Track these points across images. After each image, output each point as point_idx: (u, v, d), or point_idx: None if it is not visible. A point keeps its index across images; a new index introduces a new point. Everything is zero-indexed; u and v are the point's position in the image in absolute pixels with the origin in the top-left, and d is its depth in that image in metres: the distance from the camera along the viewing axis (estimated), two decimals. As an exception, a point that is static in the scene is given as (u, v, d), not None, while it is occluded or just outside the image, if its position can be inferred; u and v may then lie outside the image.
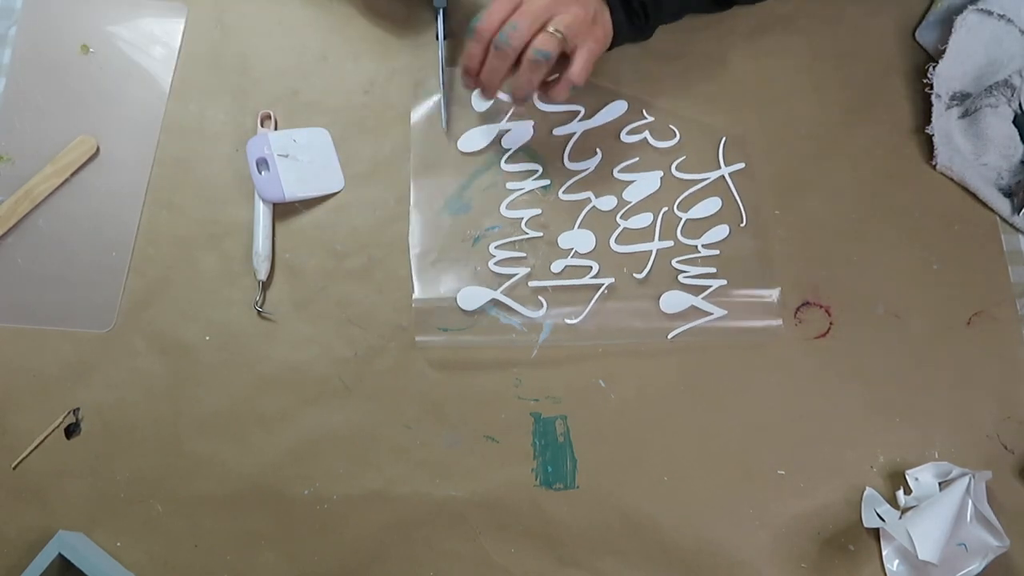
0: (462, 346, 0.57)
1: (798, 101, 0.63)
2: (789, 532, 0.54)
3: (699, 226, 0.60)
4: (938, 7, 0.64)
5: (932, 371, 0.57)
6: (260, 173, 0.60)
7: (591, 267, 0.59)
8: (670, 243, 0.59)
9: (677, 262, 0.59)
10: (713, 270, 0.58)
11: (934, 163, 0.61)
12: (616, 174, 0.61)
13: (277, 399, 0.57)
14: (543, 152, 0.62)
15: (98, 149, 0.63)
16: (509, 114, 0.63)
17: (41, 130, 0.63)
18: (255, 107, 0.63)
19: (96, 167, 0.62)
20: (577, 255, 0.59)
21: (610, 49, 0.59)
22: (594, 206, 0.61)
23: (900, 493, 0.53)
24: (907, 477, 0.54)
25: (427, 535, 0.54)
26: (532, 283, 0.59)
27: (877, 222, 0.60)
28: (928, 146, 0.62)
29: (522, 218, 0.60)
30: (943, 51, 0.62)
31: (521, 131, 0.62)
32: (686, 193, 0.61)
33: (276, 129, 0.63)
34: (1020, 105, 0.61)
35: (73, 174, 0.62)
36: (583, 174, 0.61)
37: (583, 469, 0.55)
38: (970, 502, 0.51)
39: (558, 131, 0.62)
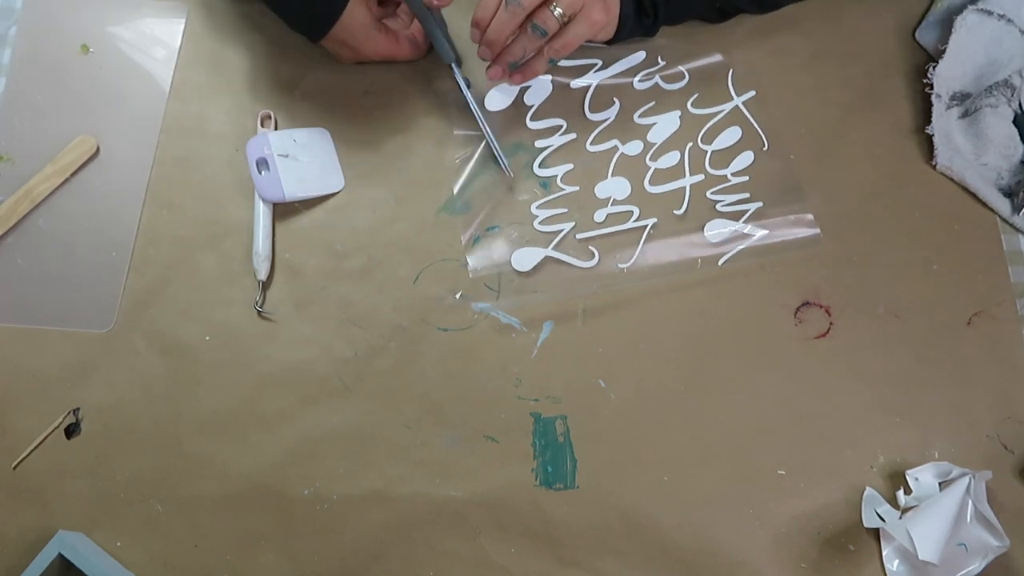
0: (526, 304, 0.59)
1: (798, 101, 0.63)
2: (789, 532, 0.54)
3: (725, 156, 0.62)
4: (938, 7, 0.64)
5: (932, 371, 0.57)
6: (260, 173, 0.60)
7: (632, 211, 0.60)
8: (701, 177, 0.61)
9: (712, 193, 0.61)
10: (747, 195, 0.60)
11: (934, 163, 0.61)
12: (636, 119, 0.63)
13: (277, 399, 0.57)
14: (565, 105, 0.63)
15: (98, 149, 0.63)
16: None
17: (41, 130, 0.63)
18: (255, 107, 0.63)
19: (96, 167, 0.63)
20: (616, 202, 0.61)
21: (611, 42, 0.61)
22: (622, 152, 0.62)
23: (900, 493, 0.53)
24: (907, 477, 0.54)
25: (427, 535, 0.54)
26: (579, 235, 0.60)
27: (877, 222, 0.60)
28: (928, 146, 0.62)
29: (556, 175, 0.62)
30: (943, 51, 0.62)
31: (540, 87, 0.64)
32: (707, 127, 0.62)
33: (276, 129, 0.63)
34: (1020, 105, 0.61)
35: (73, 174, 0.62)
36: (606, 123, 0.63)
37: (583, 469, 0.55)
38: (970, 502, 0.51)
39: (575, 83, 0.64)
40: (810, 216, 0.59)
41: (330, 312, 0.59)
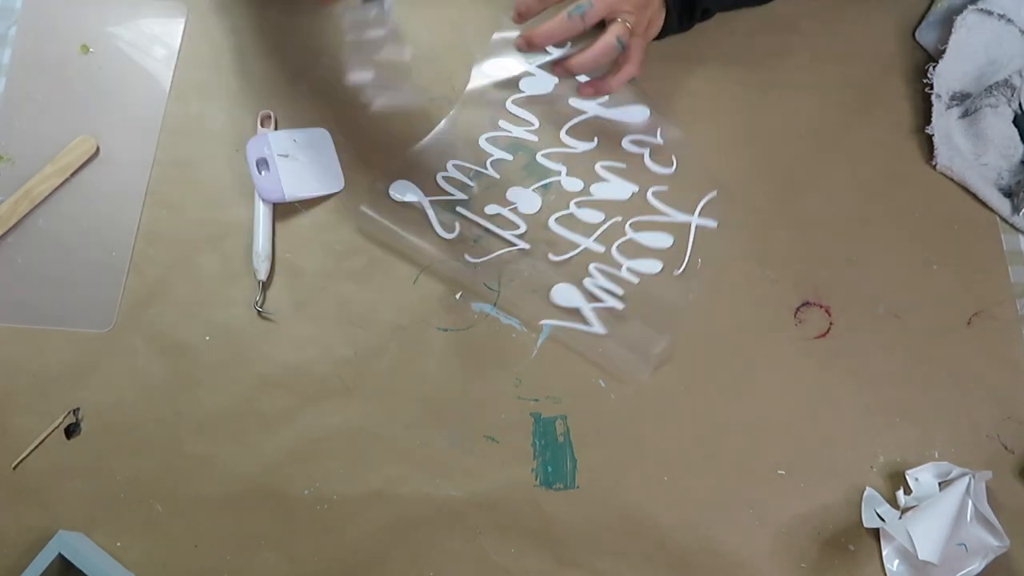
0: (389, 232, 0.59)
1: (798, 101, 0.63)
2: (789, 532, 0.54)
3: (637, 250, 0.59)
4: (938, 7, 0.64)
5: (932, 371, 0.57)
6: (260, 173, 0.60)
7: (519, 225, 0.60)
8: (601, 249, 0.59)
9: (595, 266, 0.59)
10: (620, 292, 0.58)
11: (934, 163, 0.61)
12: (598, 168, 0.61)
13: (277, 399, 0.57)
14: (550, 112, 0.63)
15: (98, 149, 0.63)
16: (542, 61, 0.63)
17: (41, 130, 0.63)
18: (255, 107, 0.63)
19: (96, 167, 0.62)
20: (514, 211, 0.60)
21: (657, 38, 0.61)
22: (559, 180, 0.61)
23: (900, 493, 0.53)
24: (907, 477, 0.54)
25: (427, 535, 0.54)
26: (459, 209, 0.60)
27: (877, 222, 0.60)
28: (928, 146, 0.62)
29: (491, 155, 0.61)
30: (943, 51, 0.62)
31: (542, 83, 0.63)
32: (646, 218, 0.60)
33: (276, 129, 0.63)
34: (1020, 105, 0.61)
35: (73, 174, 0.62)
36: (570, 151, 0.62)
37: (583, 469, 0.55)
38: (970, 502, 0.51)
39: (573, 102, 0.63)
40: (651, 355, 0.56)
41: (330, 312, 0.59)
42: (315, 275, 0.60)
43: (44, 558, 0.51)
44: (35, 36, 0.66)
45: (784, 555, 0.53)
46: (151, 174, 0.62)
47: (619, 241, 0.60)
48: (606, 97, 0.62)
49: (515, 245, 0.59)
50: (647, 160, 0.61)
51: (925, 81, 0.63)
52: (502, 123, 0.62)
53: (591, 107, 0.63)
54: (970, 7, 0.62)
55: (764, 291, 0.59)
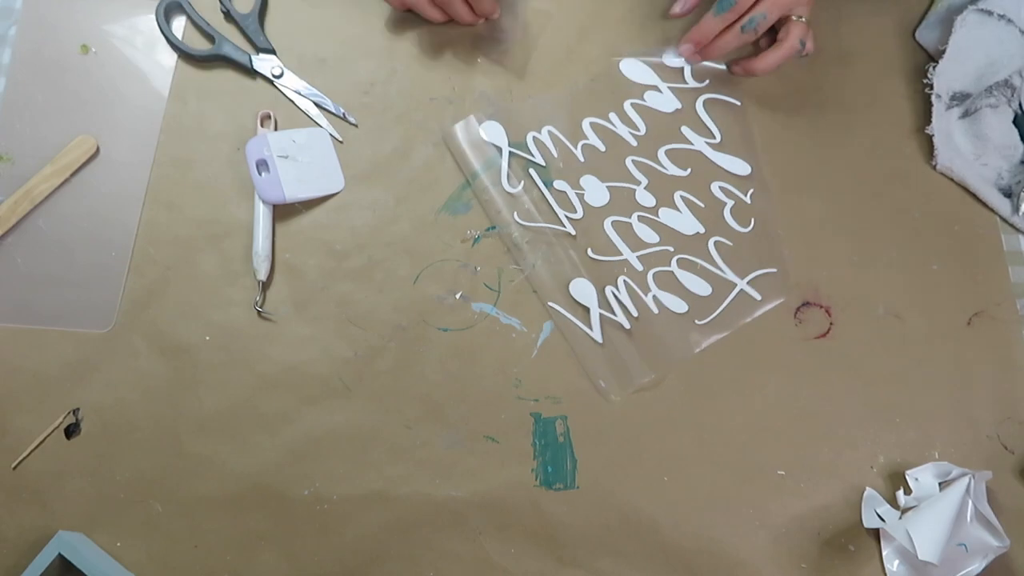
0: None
1: (798, 101, 0.63)
2: (789, 532, 0.54)
3: (671, 285, 0.58)
4: (938, 7, 0.64)
5: (932, 371, 0.57)
6: (260, 175, 0.60)
7: (577, 211, 0.60)
8: (640, 268, 0.59)
9: (624, 279, 0.58)
10: (635, 313, 0.58)
11: (934, 163, 0.61)
12: (676, 195, 0.61)
13: (277, 399, 0.57)
14: (657, 128, 0.63)
15: (98, 149, 0.63)
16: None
17: (41, 130, 0.63)
18: (255, 107, 0.63)
19: (96, 167, 0.62)
20: (581, 196, 0.61)
21: None
22: (635, 189, 0.61)
23: (900, 493, 0.53)
24: (907, 477, 0.54)
25: (427, 535, 0.54)
26: (531, 171, 0.61)
27: (877, 222, 0.60)
28: (928, 146, 0.62)
29: (587, 139, 0.62)
30: (943, 51, 0.62)
31: (666, 101, 0.63)
32: (698, 260, 0.59)
33: (276, 129, 0.63)
34: (1020, 105, 0.61)
35: (73, 174, 0.62)
36: (660, 168, 0.62)
37: (583, 469, 0.55)
38: (970, 502, 0.51)
39: (685, 130, 0.62)
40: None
41: (330, 312, 0.59)
42: (315, 275, 0.60)
43: (44, 558, 0.51)
44: (35, 36, 0.66)
45: (784, 555, 0.53)
46: (151, 174, 0.62)
47: (659, 268, 0.59)
48: (718, 137, 0.62)
49: (563, 227, 0.59)
50: (726, 211, 0.60)
51: (925, 81, 0.63)
52: (612, 116, 0.63)
53: (700, 143, 0.62)
54: (970, 7, 0.62)
55: (763, 291, 0.59)
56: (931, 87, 0.62)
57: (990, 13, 0.62)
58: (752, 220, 0.60)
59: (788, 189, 0.61)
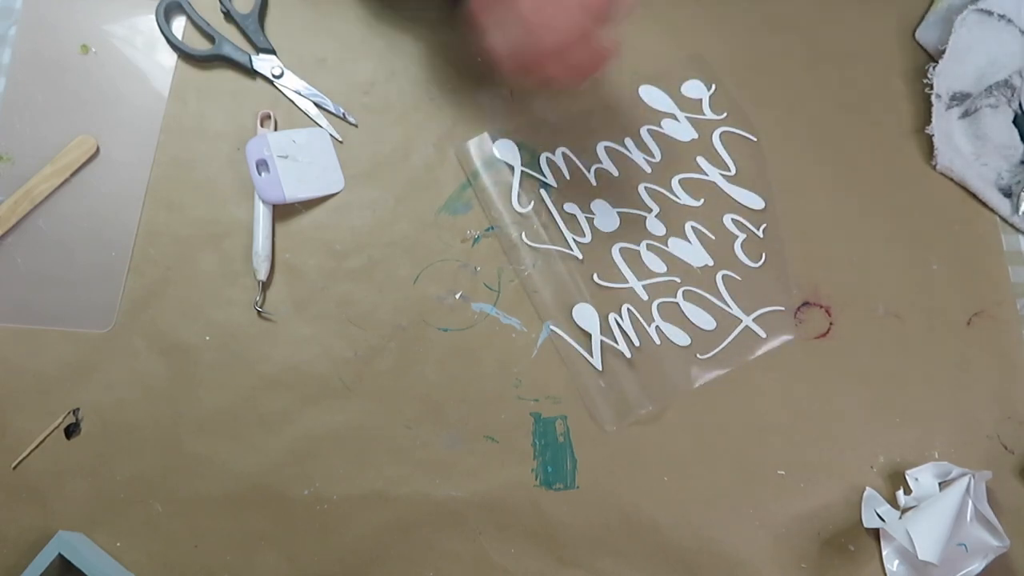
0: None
1: (798, 101, 0.63)
2: (789, 532, 0.54)
3: (675, 317, 0.58)
4: (938, 7, 0.64)
5: (932, 371, 0.57)
6: (260, 175, 0.60)
7: (585, 235, 0.60)
8: (645, 297, 0.58)
9: (628, 307, 0.58)
10: (637, 343, 0.57)
11: (934, 163, 0.61)
12: (687, 225, 0.60)
13: (277, 399, 0.57)
14: (672, 156, 0.62)
15: (98, 149, 0.63)
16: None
17: (41, 130, 0.63)
18: (255, 107, 0.63)
19: (96, 167, 0.62)
20: (590, 221, 0.60)
21: None
22: (646, 216, 0.60)
23: (900, 493, 0.53)
24: (907, 477, 0.54)
25: (427, 535, 0.54)
26: (542, 191, 0.60)
27: (877, 222, 0.60)
28: (928, 146, 0.62)
29: (600, 163, 0.61)
30: (943, 51, 0.62)
31: (683, 130, 0.62)
32: (704, 294, 0.58)
33: (276, 129, 0.63)
34: (1020, 105, 0.61)
35: (73, 174, 0.62)
36: (672, 198, 0.61)
37: (583, 469, 0.55)
38: (970, 502, 0.51)
39: (701, 161, 0.62)
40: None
41: (330, 312, 0.59)
42: (315, 275, 0.60)
43: (44, 558, 0.51)
44: (35, 36, 0.66)
45: (784, 555, 0.53)
46: (151, 174, 0.62)
47: (664, 299, 0.58)
48: (733, 170, 0.61)
49: (571, 250, 0.59)
50: (737, 245, 0.60)
51: (925, 81, 0.63)
52: (628, 141, 0.62)
53: (715, 174, 0.61)
54: (970, 7, 0.62)
55: (763, 291, 0.59)
56: (931, 87, 0.62)
57: (990, 13, 0.62)
58: (763, 255, 0.59)
59: (788, 189, 0.61)
